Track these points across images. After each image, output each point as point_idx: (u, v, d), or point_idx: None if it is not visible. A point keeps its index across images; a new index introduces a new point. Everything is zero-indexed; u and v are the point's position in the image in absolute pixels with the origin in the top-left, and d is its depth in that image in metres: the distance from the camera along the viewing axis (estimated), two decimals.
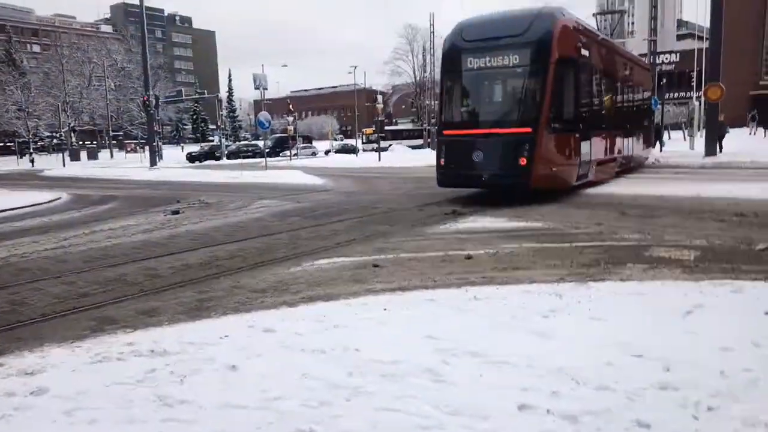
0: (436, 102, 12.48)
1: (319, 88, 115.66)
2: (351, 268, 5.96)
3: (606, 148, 13.53)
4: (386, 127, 62.54)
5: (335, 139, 71.44)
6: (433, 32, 51.64)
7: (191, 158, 43.25)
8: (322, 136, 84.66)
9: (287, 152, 42.17)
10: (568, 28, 10.95)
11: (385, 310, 4.41)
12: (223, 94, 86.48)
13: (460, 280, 5.30)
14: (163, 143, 57.15)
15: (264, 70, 46.37)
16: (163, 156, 43.86)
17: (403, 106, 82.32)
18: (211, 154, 43.73)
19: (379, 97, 32.81)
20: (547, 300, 4.50)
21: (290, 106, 38.72)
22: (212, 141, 59.50)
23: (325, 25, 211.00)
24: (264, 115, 22.48)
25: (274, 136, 48.82)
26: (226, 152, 44.36)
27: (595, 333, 3.70)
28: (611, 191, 11.95)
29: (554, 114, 10.37)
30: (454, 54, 11.29)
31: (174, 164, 36.02)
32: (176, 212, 11.19)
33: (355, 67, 56.00)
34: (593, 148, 12.11)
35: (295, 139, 43.89)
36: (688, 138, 31.67)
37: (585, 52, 11.60)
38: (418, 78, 73.26)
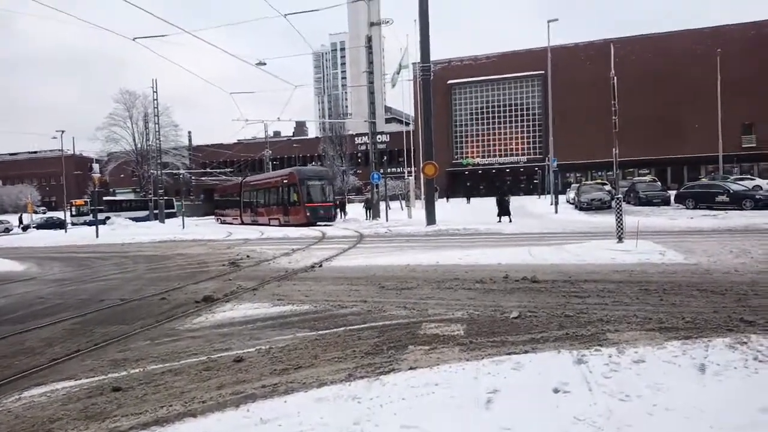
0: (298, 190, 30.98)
1: (13, 154, 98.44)
2: (81, 398, 4.39)
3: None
4: (104, 198, 56.46)
5: (36, 212, 61.15)
6: (156, 99, 48.89)
7: None
8: (18, 209, 71.56)
9: None
10: None
11: None
12: None
13: (235, 395, 4.28)
14: None
15: None
16: None
17: (122, 176, 74.93)
18: None
19: (95, 166, 28.92)
20: (346, 408, 3.90)
21: None
22: None
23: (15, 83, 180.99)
24: None
25: None
26: None
27: None
28: (362, 263, 12.17)
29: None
30: (304, 179, 30.66)
31: None
32: None
33: (63, 131, 48.97)
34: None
35: None
36: (405, 208, 35.77)
37: None
38: (139, 146, 68.01)
